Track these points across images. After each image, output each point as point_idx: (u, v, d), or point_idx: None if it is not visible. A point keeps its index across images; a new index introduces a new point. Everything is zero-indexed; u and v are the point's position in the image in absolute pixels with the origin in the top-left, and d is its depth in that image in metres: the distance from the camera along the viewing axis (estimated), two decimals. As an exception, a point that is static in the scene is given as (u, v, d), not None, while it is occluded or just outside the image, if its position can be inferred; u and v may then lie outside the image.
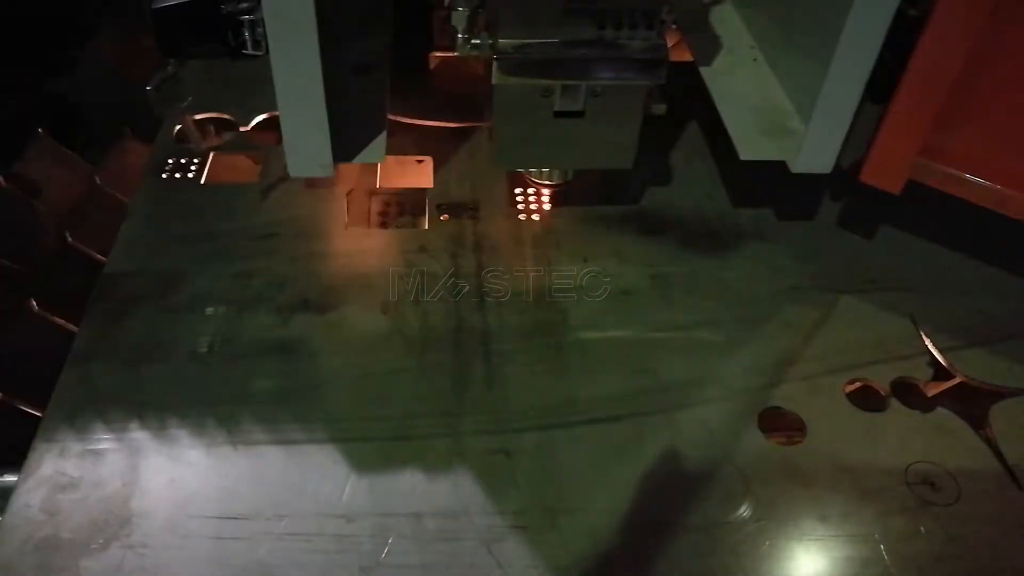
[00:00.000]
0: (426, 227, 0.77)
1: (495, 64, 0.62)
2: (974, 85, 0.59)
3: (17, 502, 0.55)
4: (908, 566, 0.55)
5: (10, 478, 0.57)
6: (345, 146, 0.65)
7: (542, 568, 0.53)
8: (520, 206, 0.79)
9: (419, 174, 0.83)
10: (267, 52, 0.58)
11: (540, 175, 0.80)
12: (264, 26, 0.56)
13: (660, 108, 0.68)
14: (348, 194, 0.80)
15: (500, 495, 0.57)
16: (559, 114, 0.66)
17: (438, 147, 0.85)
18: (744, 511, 0.57)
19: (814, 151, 0.65)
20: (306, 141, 0.62)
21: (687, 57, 0.81)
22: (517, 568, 0.53)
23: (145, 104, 0.83)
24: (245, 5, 0.62)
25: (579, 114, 0.66)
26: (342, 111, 0.65)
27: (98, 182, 0.92)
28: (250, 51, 0.63)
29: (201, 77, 0.91)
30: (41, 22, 1.07)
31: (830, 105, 0.63)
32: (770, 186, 0.80)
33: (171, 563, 0.53)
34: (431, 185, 0.81)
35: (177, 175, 0.81)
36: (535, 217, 0.78)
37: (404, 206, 0.79)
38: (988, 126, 0.61)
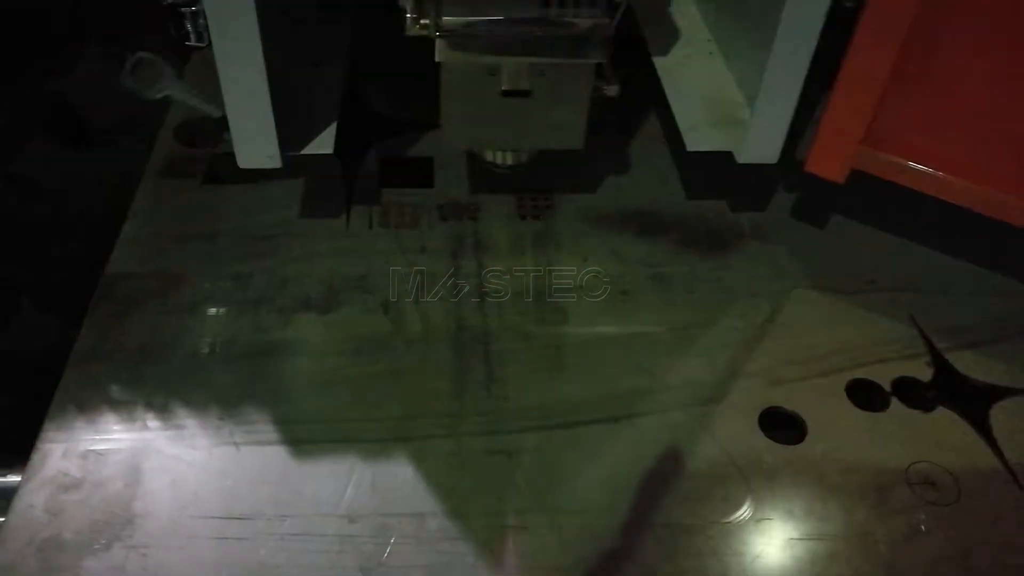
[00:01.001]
0: (427, 227, 0.77)
1: (438, 41, 0.63)
2: (910, 73, 0.60)
3: (20, 503, 0.55)
4: (909, 566, 0.55)
5: (13, 479, 0.58)
6: (295, 137, 0.66)
7: (543, 568, 0.54)
8: (520, 207, 0.79)
9: (420, 174, 0.82)
10: (209, 44, 0.58)
11: (493, 156, 0.78)
12: (205, 17, 0.57)
13: (612, 89, 0.67)
14: (349, 194, 0.80)
15: (501, 495, 0.57)
16: (507, 93, 0.66)
17: (439, 147, 0.85)
18: (745, 511, 0.57)
19: (759, 141, 0.66)
20: (253, 132, 0.63)
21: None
22: (518, 569, 0.53)
23: (145, 104, 0.83)
24: None
25: (526, 93, 0.66)
26: (294, 102, 0.66)
27: (98, 182, 0.92)
28: (193, 42, 0.63)
29: (201, 77, 0.91)
30: (40, 22, 1.07)
31: (772, 95, 0.64)
32: (770, 186, 0.81)
33: (173, 563, 0.53)
34: (432, 186, 0.81)
35: (178, 175, 0.81)
36: (535, 217, 0.78)
37: (405, 206, 0.79)
38: (927, 113, 0.62)
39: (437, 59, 0.63)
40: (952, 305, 0.72)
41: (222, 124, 0.65)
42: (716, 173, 0.77)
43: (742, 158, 0.67)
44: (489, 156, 0.78)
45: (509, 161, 0.78)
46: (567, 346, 0.67)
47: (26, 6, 0.98)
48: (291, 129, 0.65)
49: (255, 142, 0.64)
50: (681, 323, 0.69)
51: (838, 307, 0.72)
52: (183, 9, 0.62)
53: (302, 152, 0.66)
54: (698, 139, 0.69)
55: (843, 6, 0.60)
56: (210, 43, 0.58)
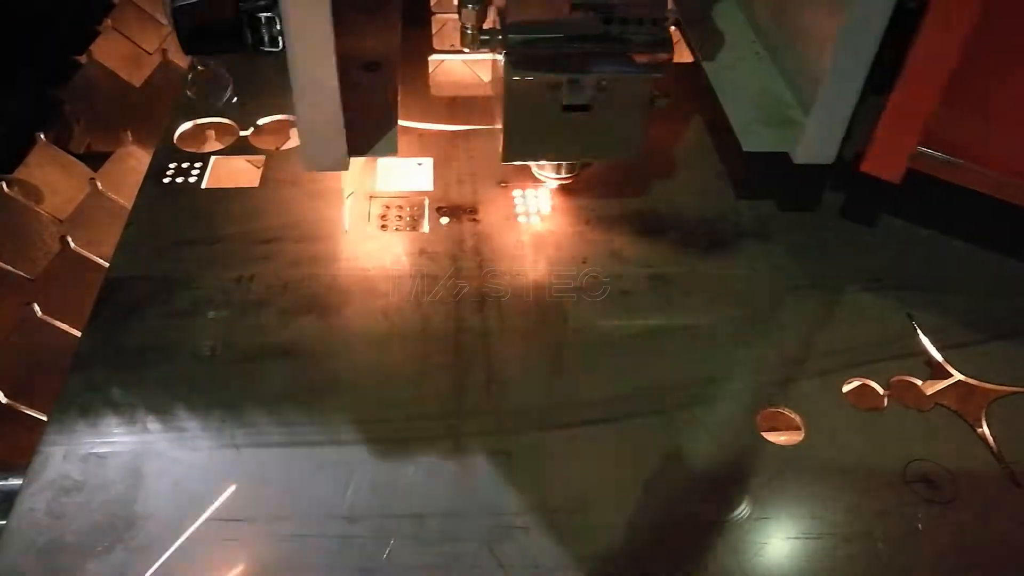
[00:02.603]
0: (426, 229, 0.77)
1: (504, 59, 0.64)
2: (972, 73, 0.59)
3: (22, 506, 0.56)
4: (907, 564, 0.55)
5: (15, 482, 0.58)
6: (358, 141, 0.66)
7: (543, 568, 0.54)
8: (519, 208, 0.80)
9: (419, 176, 0.83)
10: (283, 48, 0.60)
11: (548, 169, 0.80)
12: (281, 23, 0.58)
13: (662, 102, 0.68)
14: (348, 197, 0.80)
15: (501, 496, 0.57)
16: (567, 108, 0.67)
17: (438, 149, 0.86)
18: (743, 510, 0.57)
19: (815, 142, 0.66)
20: (322, 136, 0.63)
21: (686, 58, 0.81)
22: (518, 568, 0.54)
23: (146, 108, 0.83)
24: (263, 3, 0.63)
25: (586, 107, 0.67)
26: (353, 106, 0.65)
27: (99, 187, 0.92)
28: (267, 47, 0.64)
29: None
30: (42, 28, 1.07)
31: (831, 96, 0.63)
32: (769, 186, 0.81)
33: (174, 566, 0.53)
34: (431, 187, 0.82)
35: (178, 180, 0.82)
36: (534, 218, 0.79)
37: (404, 209, 0.79)
38: (987, 113, 0.62)
39: (504, 77, 0.64)
40: (950, 305, 0.72)
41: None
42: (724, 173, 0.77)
43: (798, 158, 0.67)
44: (546, 168, 0.80)
45: (564, 172, 0.80)
46: (567, 347, 0.68)
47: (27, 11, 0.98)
48: (354, 133, 0.65)
49: (323, 146, 0.64)
50: (680, 323, 0.70)
51: (836, 307, 0.72)
52: (260, 15, 0.63)
53: (367, 155, 0.67)
54: (754, 140, 0.69)
55: (904, 6, 0.59)
56: (284, 48, 0.60)
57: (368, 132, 0.68)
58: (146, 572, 0.53)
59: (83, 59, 1.08)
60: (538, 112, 0.67)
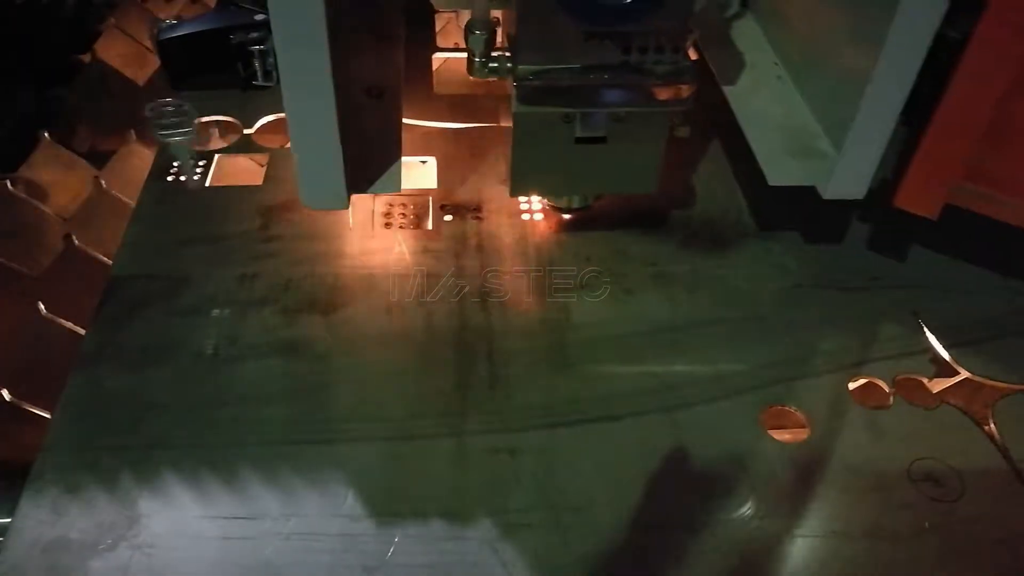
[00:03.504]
0: (430, 228, 0.77)
1: (514, 91, 0.60)
2: (1015, 107, 0.57)
3: (26, 504, 0.56)
4: (913, 562, 0.55)
5: (19, 480, 0.58)
6: (359, 176, 0.63)
7: (546, 567, 0.54)
8: (523, 206, 0.79)
9: (423, 175, 0.83)
10: (278, 83, 0.56)
11: (559, 200, 0.77)
12: (275, 56, 0.55)
13: (683, 130, 0.65)
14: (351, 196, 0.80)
15: (504, 494, 0.57)
16: (580, 140, 0.64)
17: (442, 148, 0.86)
18: (747, 509, 0.57)
19: (847, 176, 0.63)
20: (320, 174, 0.60)
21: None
22: (521, 567, 0.54)
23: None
24: (256, 35, 0.61)
25: (602, 140, 0.64)
26: (355, 138, 0.63)
27: (103, 185, 0.93)
28: (260, 82, 0.61)
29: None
30: (45, 26, 1.08)
31: (865, 130, 0.60)
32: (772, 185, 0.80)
33: (178, 563, 0.53)
34: (435, 186, 0.81)
35: (182, 178, 0.82)
36: (538, 217, 0.78)
37: (407, 207, 0.79)
38: None
39: (513, 111, 0.61)
40: (955, 302, 0.72)
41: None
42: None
43: (828, 194, 0.64)
44: (557, 201, 0.77)
45: (576, 204, 0.77)
46: (570, 345, 0.67)
47: (30, 11, 0.98)
48: (355, 167, 0.62)
49: (322, 183, 0.61)
50: (684, 322, 0.70)
51: (841, 305, 0.72)
52: (252, 48, 0.60)
53: (369, 191, 0.64)
54: (780, 173, 0.65)
55: (947, 37, 0.56)
56: (278, 82, 0.56)
57: (370, 166, 0.65)
58: (149, 570, 0.53)
59: (87, 58, 1.08)
60: (548, 144, 0.64)
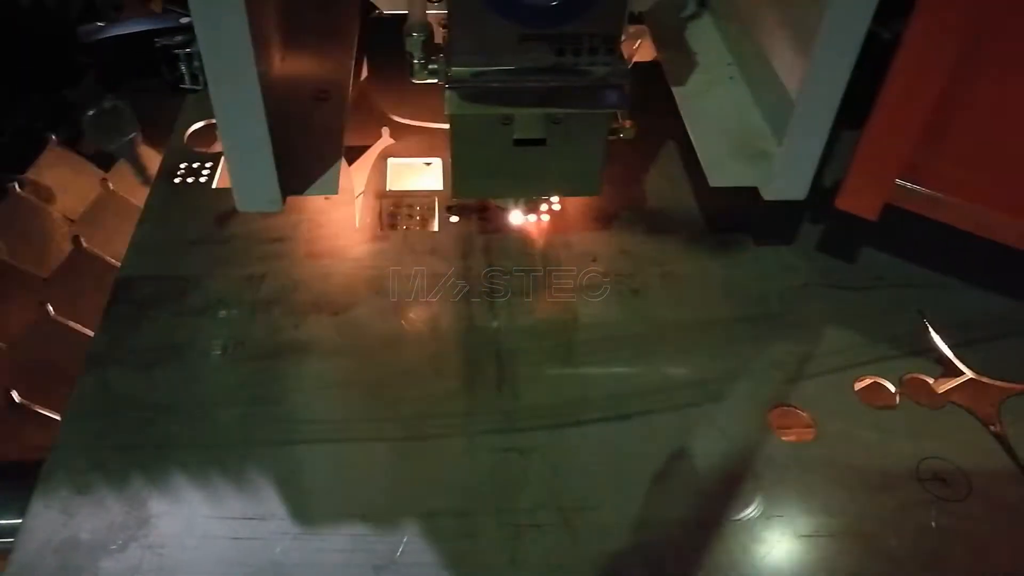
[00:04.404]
0: (436, 229, 0.77)
1: (448, 93, 0.59)
2: (952, 105, 0.57)
3: (37, 504, 0.56)
4: (919, 562, 0.55)
5: (30, 481, 0.58)
6: (297, 177, 0.63)
7: (555, 566, 0.54)
8: (529, 207, 0.80)
9: (428, 176, 0.83)
10: (206, 86, 0.56)
11: (506, 204, 0.76)
12: (201, 60, 0.54)
13: (629, 132, 0.65)
14: (358, 197, 0.80)
15: (512, 493, 0.58)
16: (519, 142, 0.63)
17: (447, 149, 0.85)
18: (755, 508, 0.57)
19: (787, 177, 0.64)
20: (252, 176, 0.60)
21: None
22: (530, 566, 0.54)
23: (156, 109, 0.83)
24: (180, 39, 0.60)
25: (541, 142, 0.63)
26: (296, 141, 0.63)
27: (111, 187, 0.93)
28: (188, 85, 0.61)
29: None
30: (51, 30, 1.08)
31: (801, 130, 0.61)
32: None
33: (188, 563, 0.53)
34: (440, 187, 0.82)
35: (189, 179, 0.82)
36: (544, 217, 0.79)
37: (414, 208, 0.79)
38: (969, 146, 0.59)
39: (447, 111, 0.60)
40: (962, 301, 0.72)
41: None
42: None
43: (768, 195, 0.64)
44: (501, 204, 0.77)
45: (522, 207, 0.76)
46: (577, 344, 0.68)
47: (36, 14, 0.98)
48: (294, 169, 0.62)
49: (255, 186, 0.61)
50: (691, 321, 0.70)
51: (847, 304, 0.72)
52: (177, 51, 0.60)
53: (305, 194, 0.63)
54: (721, 174, 0.66)
55: (880, 38, 0.57)
56: (206, 86, 0.56)
57: (310, 168, 0.65)
58: (160, 570, 0.53)
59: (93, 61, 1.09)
60: (488, 147, 0.63)
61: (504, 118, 0.62)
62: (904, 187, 0.62)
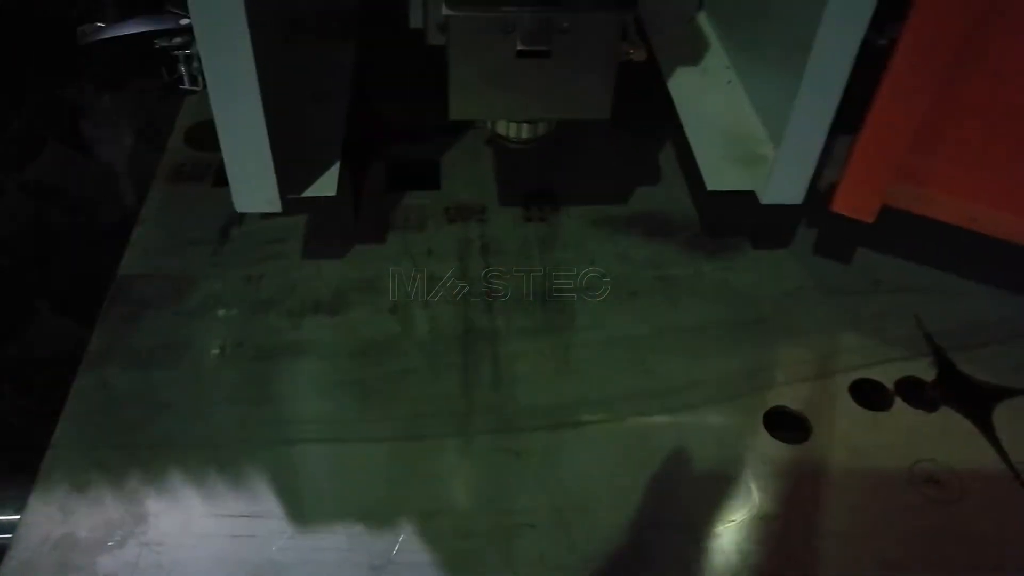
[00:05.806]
0: (434, 230, 0.78)
1: None
2: (948, 107, 0.57)
3: (35, 502, 0.56)
4: (913, 565, 0.55)
5: (28, 479, 0.58)
6: (296, 178, 0.64)
7: (551, 566, 0.54)
8: (527, 209, 0.80)
9: (428, 176, 0.83)
10: (205, 88, 0.56)
11: (507, 128, 0.70)
12: (200, 61, 0.54)
13: (639, 54, 0.61)
14: (358, 197, 0.80)
15: (509, 494, 0.58)
16: (522, 54, 0.59)
17: (446, 150, 0.86)
18: (749, 510, 0.57)
19: (784, 181, 0.64)
20: (251, 177, 0.61)
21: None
22: (526, 566, 0.54)
23: (156, 109, 0.83)
24: (179, 40, 0.60)
25: (546, 54, 0.59)
26: (295, 141, 0.63)
27: (110, 186, 0.93)
28: (187, 86, 0.61)
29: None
30: (51, 29, 1.08)
31: (799, 134, 0.61)
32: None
33: (186, 560, 0.54)
34: (439, 188, 0.82)
35: (188, 179, 0.82)
36: (542, 219, 0.79)
37: (412, 209, 0.80)
38: (966, 146, 0.59)
39: (443, 12, 0.55)
40: (956, 305, 0.72)
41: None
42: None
43: (765, 199, 0.64)
44: (502, 129, 0.70)
45: (524, 135, 0.70)
46: (574, 347, 0.68)
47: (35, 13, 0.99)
48: (293, 169, 0.62)
49: (253, 186, 0.61)
50: (687, 324, 0.70)
51: (843, 307, 0.72)
52: (176, 52, 0.60)
53: (303, 195, 0.64)
54: (719, 178, 0.66)
55: (874, 44, 0.57)
56: (205, 87, 0.56)
57: (308, 168, 0.65)
58: (157, 567, 0.53)
59: (93, 59, 1.09)
60: (488, 58, 0.58)
61: (505, 25, 0.57)
62: (900, 189, 0.62)
